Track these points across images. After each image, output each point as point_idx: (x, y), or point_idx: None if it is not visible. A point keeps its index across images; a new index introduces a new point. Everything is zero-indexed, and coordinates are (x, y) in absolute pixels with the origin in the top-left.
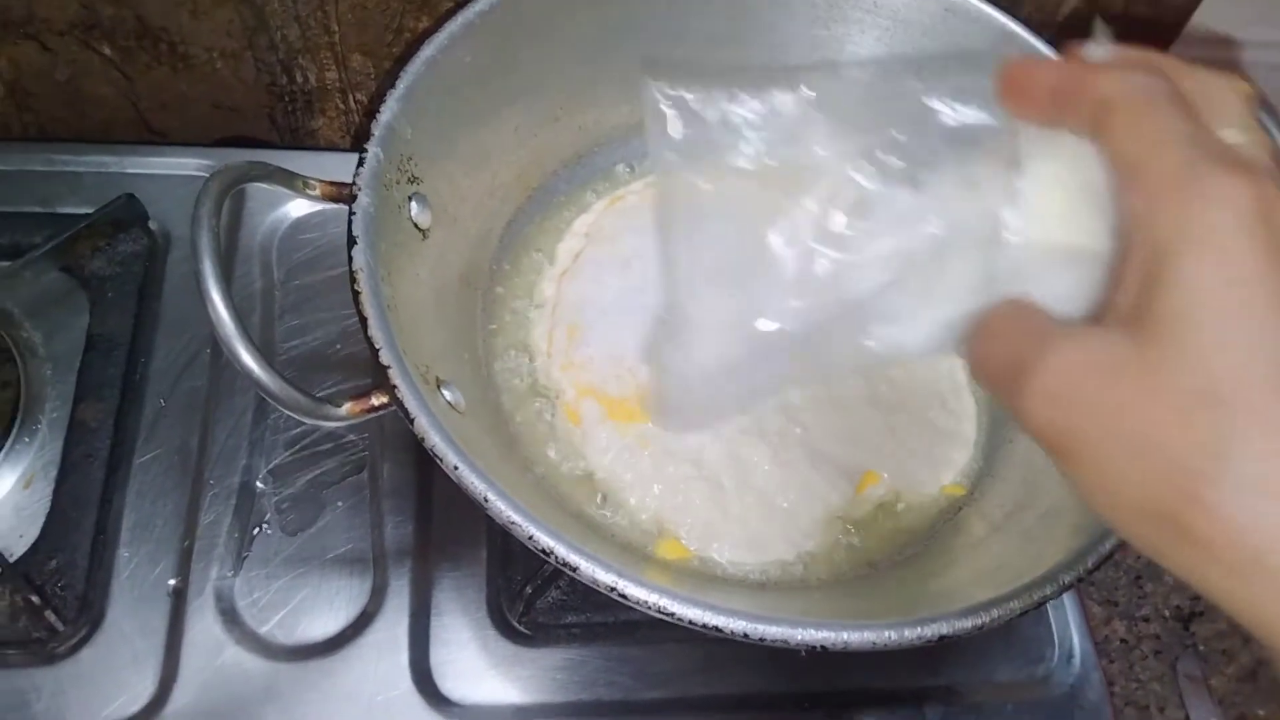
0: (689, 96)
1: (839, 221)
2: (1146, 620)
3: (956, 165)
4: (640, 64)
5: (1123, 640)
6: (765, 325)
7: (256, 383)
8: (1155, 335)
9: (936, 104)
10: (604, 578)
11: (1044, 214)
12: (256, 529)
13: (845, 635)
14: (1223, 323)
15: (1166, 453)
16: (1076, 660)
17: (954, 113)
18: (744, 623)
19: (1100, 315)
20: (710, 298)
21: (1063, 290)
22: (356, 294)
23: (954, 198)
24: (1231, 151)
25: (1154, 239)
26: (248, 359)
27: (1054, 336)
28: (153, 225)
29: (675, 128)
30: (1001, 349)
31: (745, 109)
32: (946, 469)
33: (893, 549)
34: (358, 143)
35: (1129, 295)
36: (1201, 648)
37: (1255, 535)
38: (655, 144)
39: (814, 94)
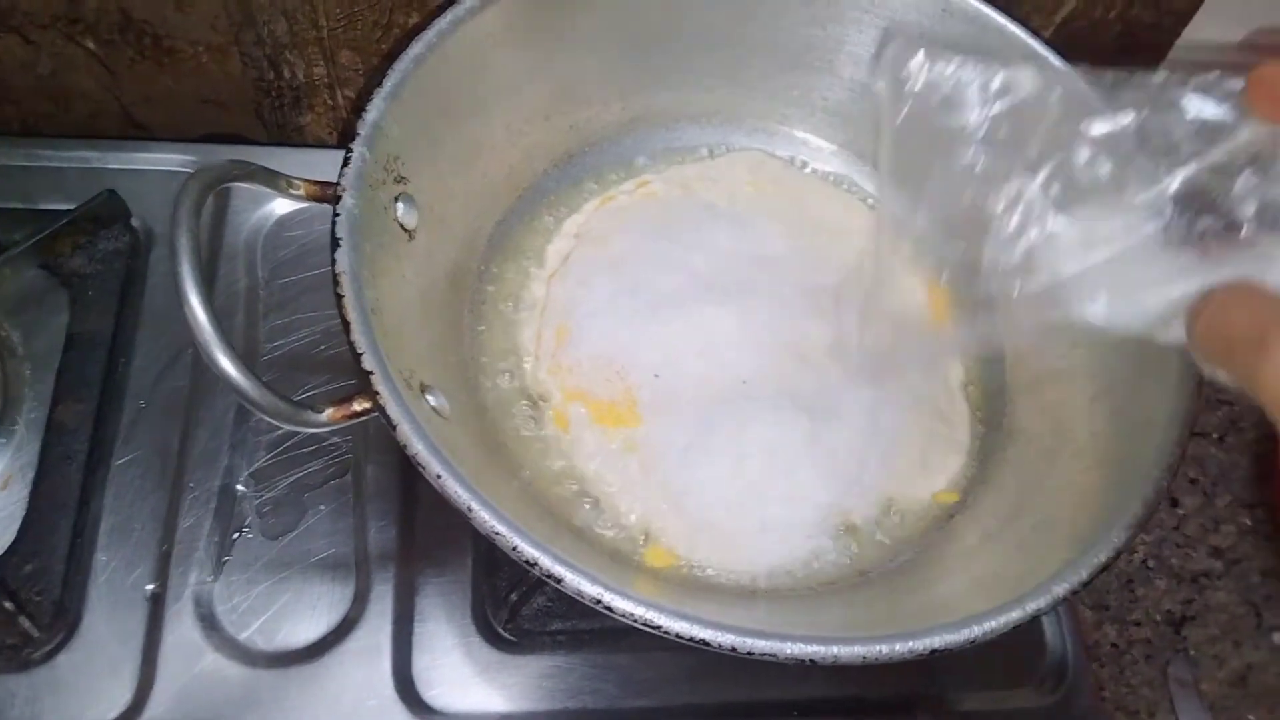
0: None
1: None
2: (1138, 624)
3: (1194, 159)
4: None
5: (1113, 644)
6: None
7: (235, 389)
8: None
9: (1180, 97)
10: (589, 590)
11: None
12: (237, 533)
13: (835, 650)
14: None
15: None
16: (1069, 668)
17: (1195, 108)
18: (731, 636)
19: None
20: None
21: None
22: (339, 298)
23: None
24: None
25: None
26: (226, 364)
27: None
28: (135, 222)
29: (916, 80)
30: (1242, 320)
31: (984, 76)
32: (940, 476)
33: (885, 557)
34: (345, 139)
35: None
36: (1193, 652)
37: None
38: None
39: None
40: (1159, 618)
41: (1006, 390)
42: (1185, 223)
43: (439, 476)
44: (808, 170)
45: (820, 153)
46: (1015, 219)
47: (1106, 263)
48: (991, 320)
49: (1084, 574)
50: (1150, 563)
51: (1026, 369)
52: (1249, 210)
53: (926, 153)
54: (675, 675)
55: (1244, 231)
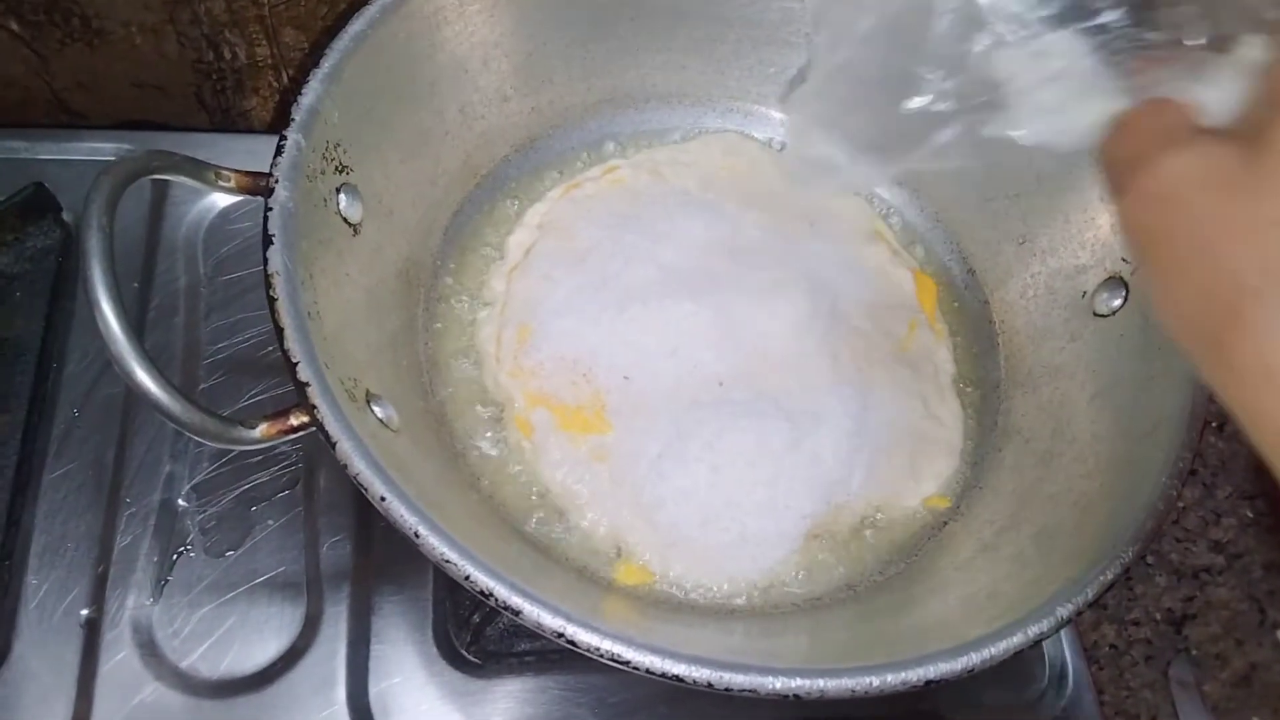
0: None
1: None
2: (1137, 624)
3: None
4: None
5: (1112, 646)
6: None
7: (154, 404)
8: (1259, 158)
9: None
10: (549, 623)
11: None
12: (178, 552)
13: (822, 683)
14: None
15: (1230, 265)
16: (1069, 681)
17: None
18: (707, 671)
19: (1235, 127)
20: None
21: (1214, 96)
22: (272, 301)
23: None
24: None
25: None
26: (142, 378)
27: (1177, 142)
28: (66, 217)
29: None
30: (1129, 144)
31: None
32: (929, 479)
33: (873, 569)
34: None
35: (1257, 113)
36: (1194, 652)
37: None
38: None
39: None
40: (1159, 616)
41: (1001, 387)
42: (1128, 38)
43: (383, 499)
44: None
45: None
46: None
47: (1046, 80)
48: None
49: (1089, 593)
50: (1149, 559)
51: (1022, 364)
52: (1194, 24)
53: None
54: (652, 698)
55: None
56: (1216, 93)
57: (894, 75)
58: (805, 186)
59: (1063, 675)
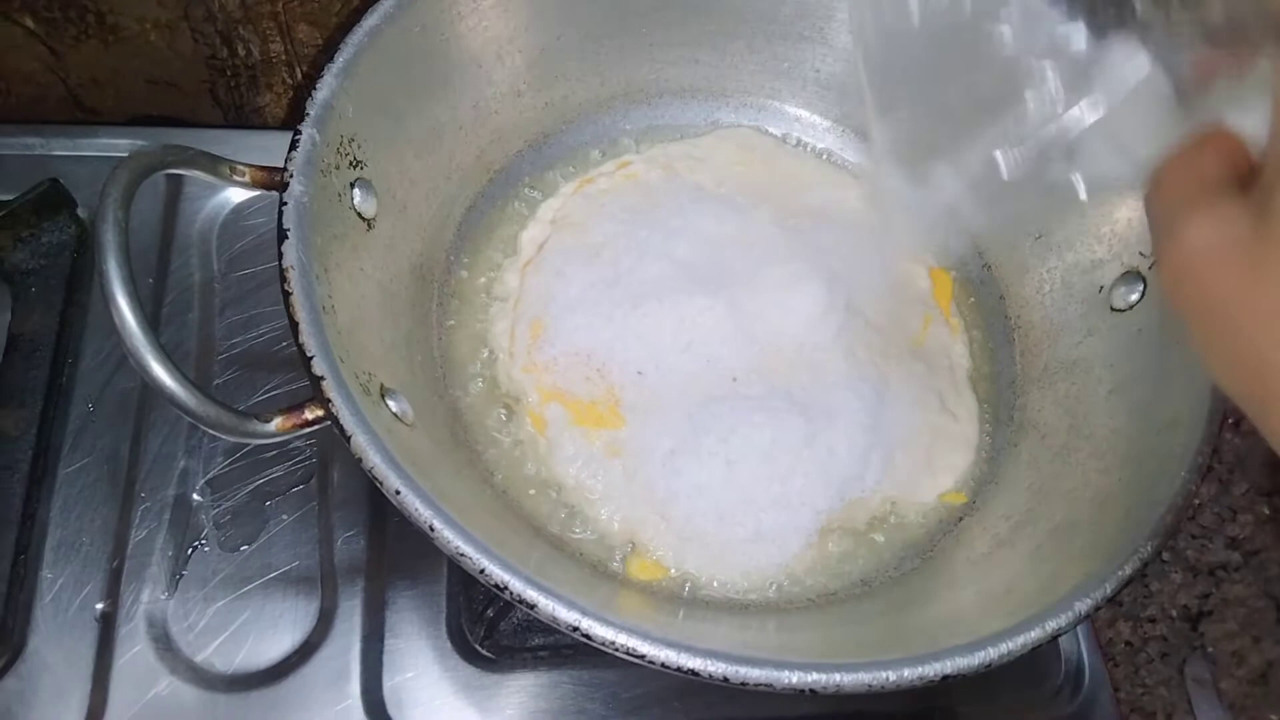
0: None
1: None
2: (1153, 621)
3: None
4: None
5: (1128, 643)
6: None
7: (170, 399)
8: (1267, 228)
9: None
10: (565, 616)
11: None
12: (193, 546)
13: (838, 677)
14: None
15: (1252, 343)
16: (1085, 678)
17: None
18: (723, 665)
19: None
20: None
21: (1250, 121)
22: (287, 295)
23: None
24: None
25: None
26: (159, 372)
27: (1199, 203)
28: (81, 213)
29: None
30: (1162, 200)
31: None
32: (945, 475)
33: (889, 564)
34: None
35: (1270, 168)
36: (1210, 649)
37: None
38: None
39: None
40: (1175, 613)
41: (1017, 382)
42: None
43: (398, 492)
44: (800, 147)
45: (814, 128)
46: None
47: (1106, 116)
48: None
49: (1108, 589)
50: (1165, 555)
51: (1038, 358)
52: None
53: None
54: (666, 692)
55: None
56: (1251, 118)
57: (956, 101)
58: (886, 219)
59: (1079, 672)
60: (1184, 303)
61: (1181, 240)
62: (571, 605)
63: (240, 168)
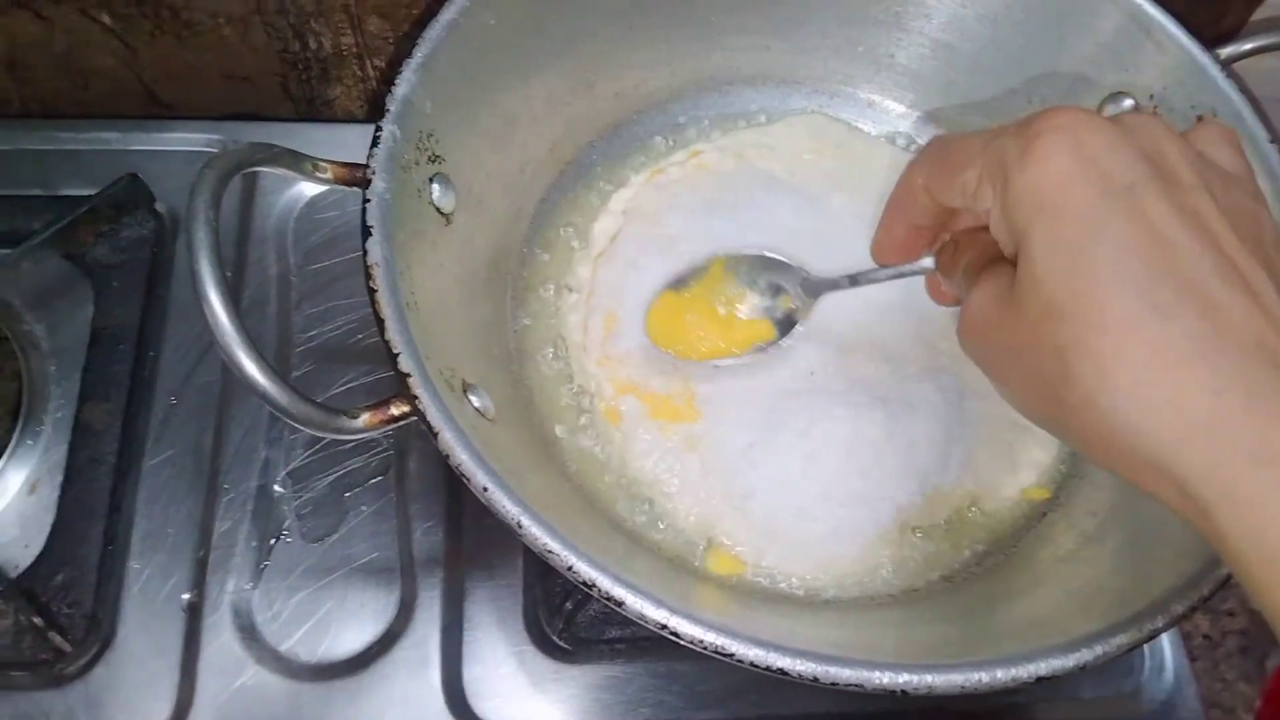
0: None
1: None
2: (1232, 614)
3: None
4: None
5: (1206, 637)
6: None
7: (262, 396)
8: (1022, 277)
9: None
10: (653, 614)
11: None
12: (275, 537)
13: (930, 678)
14: (1054, 254)
15: (1034, 367)
16: (1169, 672)
17: None
18: (813, 665)
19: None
20: None
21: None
22: (372, 292)
23: None
24: (1025, 123)
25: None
26: (252, 369)
27: (981, 275)
28: (159, 207)
29: None
30: (952, 291)
31: None
32: (1028, 470)
33: (970, 560)
34: (376, 113)
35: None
36: None
37: (1114, 419)
38: None
39: None
40: (1254, 607)
41: None
42: None
43: (486, 489)
44: (874, 134)
45: (888, 115)
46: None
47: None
48: None
49: (1205, 590)
50: None
51: None
52: None
53: None
54: (742, 686)
55: None
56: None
57: None
58: None
59: (1161, 667)
60: (975, 352)
61: (970, 303)
62: (660, 603)
63: (323, 164)
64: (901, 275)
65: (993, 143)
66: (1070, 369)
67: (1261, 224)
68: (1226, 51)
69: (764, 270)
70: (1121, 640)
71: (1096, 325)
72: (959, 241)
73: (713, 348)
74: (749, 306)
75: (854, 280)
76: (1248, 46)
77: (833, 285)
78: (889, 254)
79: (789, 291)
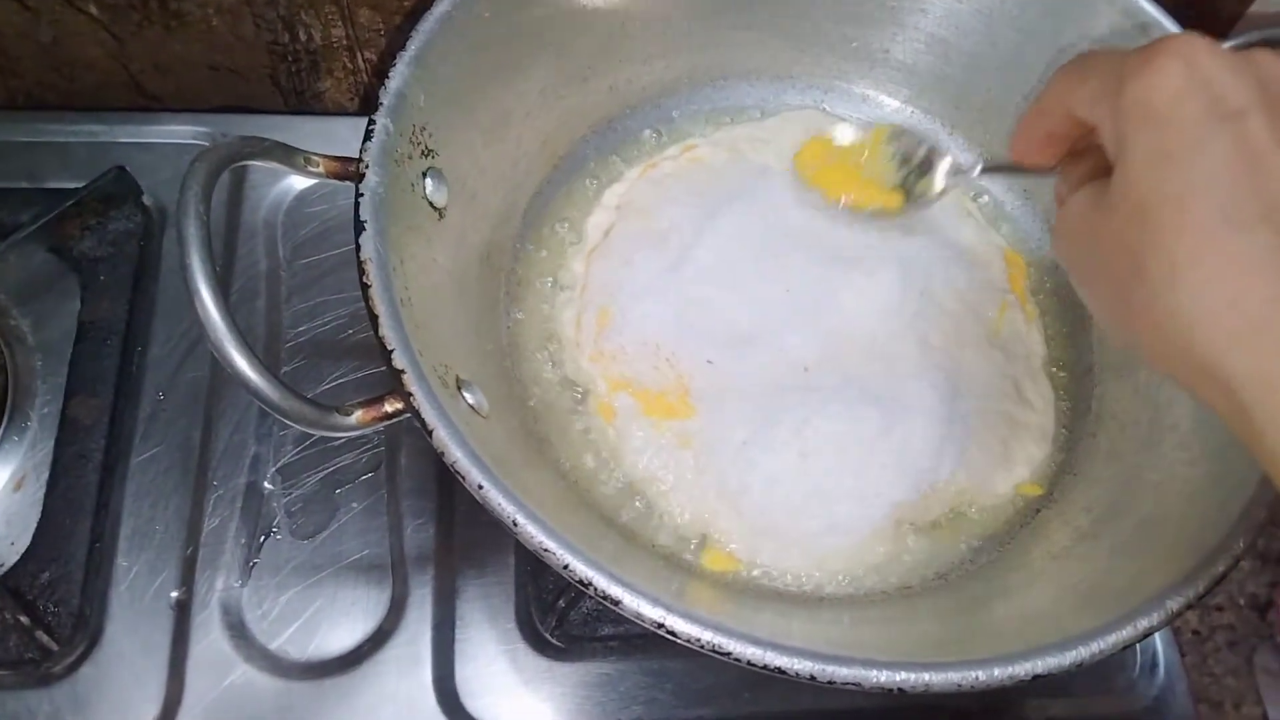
0: None
1: None
2: (1220, 609)
3: None
4: None
5: (1195, 632)
6: None
7: (254, 393)
8: (1116, 179)
9: None
10: (650, 613)
11: None
12: (265, 534)
13: (927, 677)
14: (1152, 160)
15: (1114, 266)
16: (1160, 668)
17: None
18: (810, 664)
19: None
20: None
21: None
22: (366, 288)
23: None
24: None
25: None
26: (244, 366)
27: (1083, 182)
28: (147, 200)
29: None
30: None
31: None
32: (1021, 466)
33: (965, 557)
34: (367, 106)
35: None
36: (1279, 638)
37: (1177, 319)
38: None
39: None
40: (1243, 602)
41: (1095, 370)
42: None
43: (480, 487)
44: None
45: (883, 110)
46: None
47: None
48: None
49: (1200, 586)
50: None
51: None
52: None
53: None
54: (735, 683)
55: None
56: None
57: None
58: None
59: (1154, 664)
60: (1064, 250)
61: (1066, 208)
62: (656, 601)
63: (315, 158)
64: (1029, 174)
65: (1118, 57)
66: (1145, 268)
67: None
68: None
69: (918, 152)
70: (1117, 638)
71: (1176, 229)
72: (1078, 154)
73: (851, 191)
74: (890, 175)
75: (988, 169)
76: (1242, 42)
77: (968, 173)
78: (1025, 154)
79: (931, 174)
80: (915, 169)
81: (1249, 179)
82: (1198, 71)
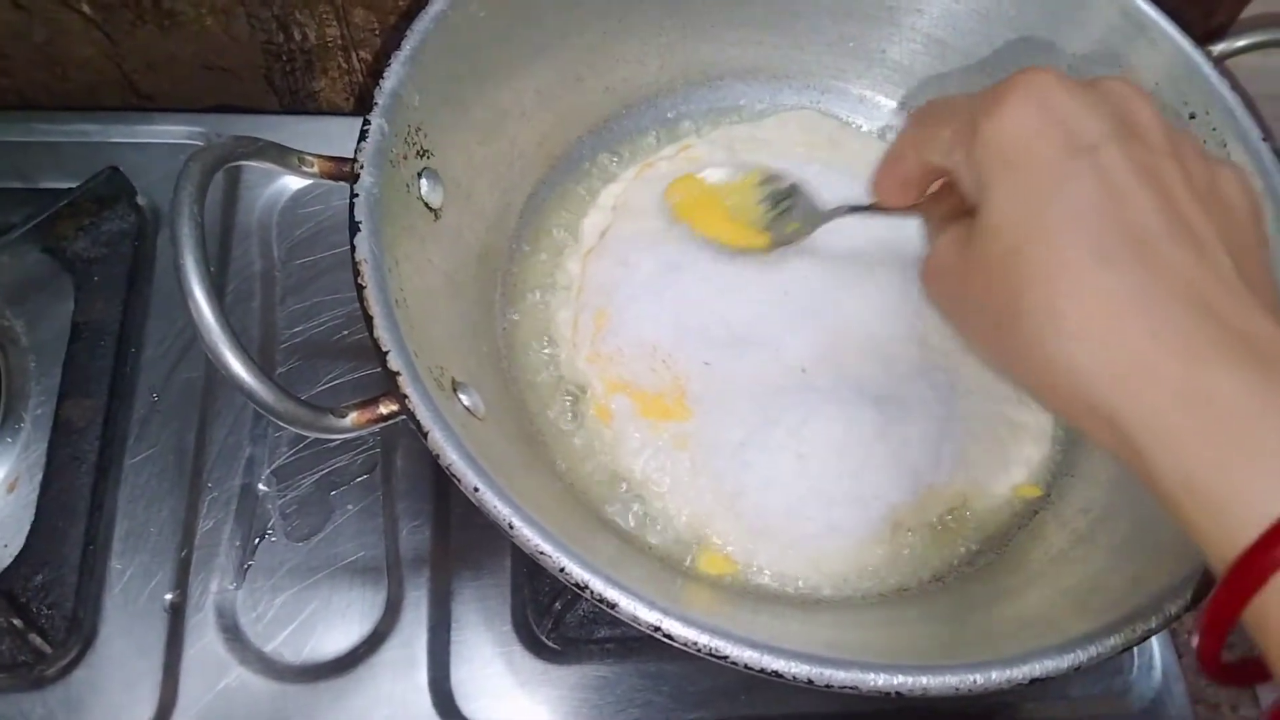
0: None
1: None
2: None
3: None
4: None
5: (1190, 632)
6: None
7: (249, 395)
8: (981, 224)
9: None
10: (647, 616)
11: None
12: (260, 536)
13: (925, 680)
14: (1013, 203)
15: (989, 312)
16: (1157, 670)
17: None
18: (808, 667)
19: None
20: None
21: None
22: (360, 289)
23: None
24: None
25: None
26: (238, 368)
27: (946, 221)
28: (140, 201)
29: None
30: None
31: None
32: (1019, 467)
33: (963, 559)
34: (362, 106)
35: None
36: None
37: (1059, 361)
38: None
39: None
40: None
41: None
42: None
43: (476, 490)
44: (866, 130)
45: (880, 110)
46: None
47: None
48: None
49: (1199, 589)
50: None
51: None
52: None
53: None
54: (732, 686)
55: None
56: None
57: None
58: None
59: (1151, 665)
60: (935, 296)
61: (933, 250)
62: (653, 605)
63: (309, 158)
64: (890, 215)
65: (969, 101)
66: (1022, 313)
67: (1223, 190)
68: (1219, 48)
69: (787, 195)
70: (1116, 641)
71: (1047, 272)
72: (939, 195)
73: (717, 231)
74: (758, 218)
75: (852, 209)
76: (1240, 43)
77: (830, 215)
78: (884, 198)
79: (796, 216)
80: (782, 212)
81: (1114, 213)
82: (1050, 108)
